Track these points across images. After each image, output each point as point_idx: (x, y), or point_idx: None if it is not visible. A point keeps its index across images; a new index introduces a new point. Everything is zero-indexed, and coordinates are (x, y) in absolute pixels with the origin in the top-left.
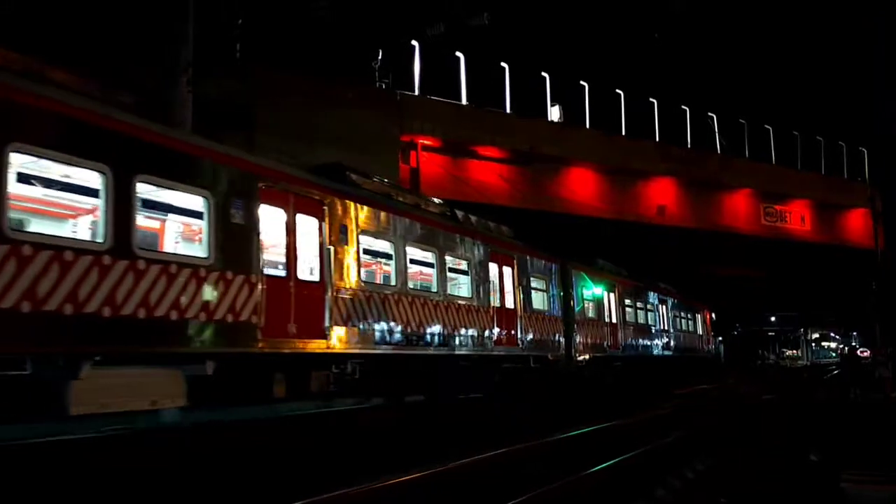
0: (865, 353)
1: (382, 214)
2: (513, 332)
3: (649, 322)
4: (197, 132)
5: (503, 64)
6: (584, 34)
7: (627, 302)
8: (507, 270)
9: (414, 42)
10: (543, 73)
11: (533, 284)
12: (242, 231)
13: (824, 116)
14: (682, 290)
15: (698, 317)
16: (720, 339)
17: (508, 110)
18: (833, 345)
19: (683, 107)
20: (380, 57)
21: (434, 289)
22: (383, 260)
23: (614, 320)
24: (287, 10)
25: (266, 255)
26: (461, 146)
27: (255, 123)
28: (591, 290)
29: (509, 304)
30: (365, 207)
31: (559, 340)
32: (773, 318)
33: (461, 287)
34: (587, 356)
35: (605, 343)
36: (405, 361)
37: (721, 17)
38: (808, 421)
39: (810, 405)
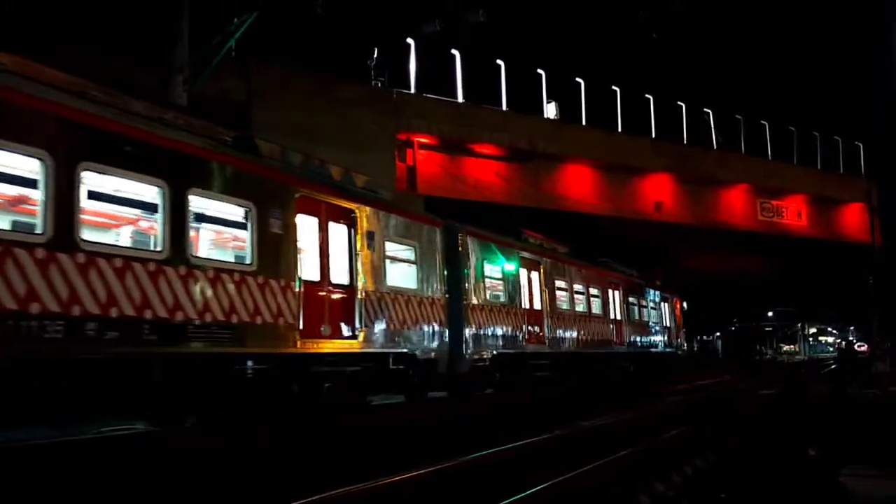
0: (862, 348)
1: None
2: (346, 319)
3: (593, 310)
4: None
5: (499, 61)
6: (580, 31)
7: (560, 284)
8: (335, 230)
9: (410, 40)
10: (539, 71)
11: (391, 253)
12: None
13: (820, 111)
14: (661, 280)
15: (665, 307)
16: (714, 335)
17: (505, 108)
18: (830, 339)
19: (679, 103)
20: (376, 55)
21: None
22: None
23: (538, 306)
24: (283, 9)
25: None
26: (458, 144)
27: (252, 121)
28: (502, 267)
29: (339, 278)
30: None
31: (438, 332)
32: (770, 314)
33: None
34: (491, 352)
35: (522, 335)
36: None
37: (717, 14)
38: (805, 416)
39: (807, 401)
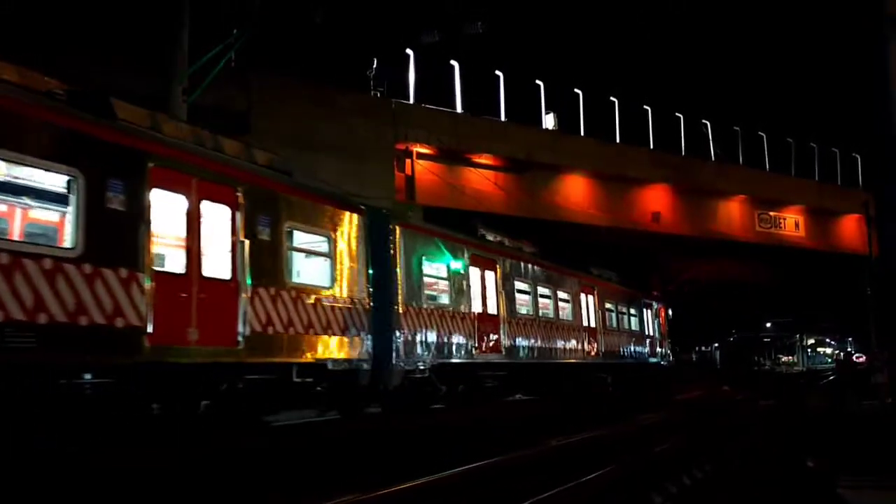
0: (861, 359)
1: None
2: (224, 322)
3: (562, 316)
4: None
5: (498, 72)
6: (578, 42)
7: (522, 287)
8: (213, 212)
9: (409, 51)
10: (538, 81)
11: (296, 244)
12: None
13: (818, 123)
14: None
15: (648, 314)
16: (712, 345)
17: (503, 118)
18: (829, 350)
19: (677, 114)
20: (375, 65)
21: None
22: None
23: (493, 311)
24: (283, 19)
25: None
26: (456, 154)
27: (251, 130)
28: (447, 266)
29: (215, 271)
30: None
31: (358, 338)
32: (768, 325)
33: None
34: (431, 362)
35: (471, 343)
36: None
37: (715, 26)
38: (804, 428)
39: (806, 413)
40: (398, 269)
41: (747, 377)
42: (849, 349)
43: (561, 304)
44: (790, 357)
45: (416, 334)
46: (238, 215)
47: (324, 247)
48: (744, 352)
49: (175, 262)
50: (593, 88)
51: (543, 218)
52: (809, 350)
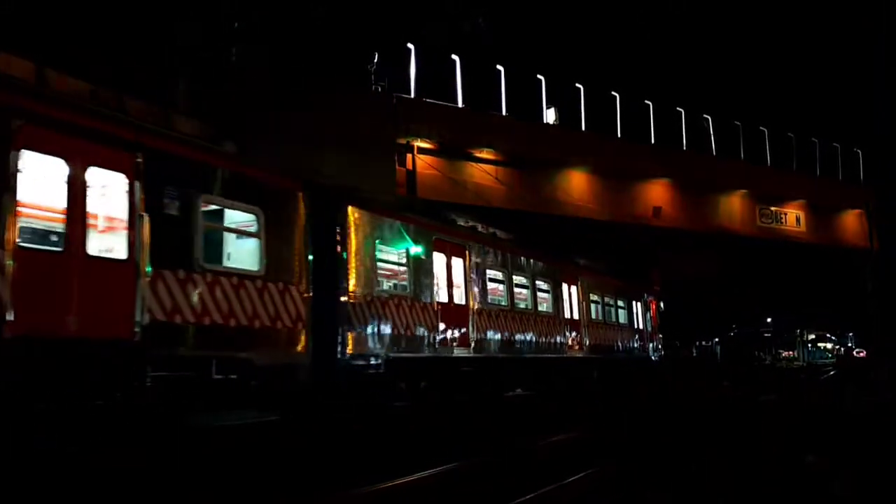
0: (861, 354)
1: None
2: (114, 307)
3: (541, 308)
4: None
5: (499, 66)
6: (580, 37)
7: (494, 275)
8: (107, 180)
9: (410, 45)
10: (539, 76)
11: (214, 221)
12: None
13: (819, 118)
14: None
15: (638, 307)
16: (713, 340)
17: (504, 113)
18: (829, 345)
19: (679, 109)
20: (376, 60)
21: None
22: None
23: (461, 301)
24: (283, 14)
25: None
26: (457, 149)
27: (250, 126)
28: (407, 251)
29: (100, 247)
30: None
31: (295, 330)
32: (769, 319)
33: None
34: (385, 356)
35: (435, 336)
36: None
37: (717, 20)
38: (803, 424)
39: (805, 409)
40: (349, 254)
41: (748, 372)
42: (849, 344)
43: (540, 294)
44: (791, 352)
45: (368, 326)
46: (137, 186)
47: (253, 226)
48: (744, 347)
49: (50, 239)
50: (595, 83)
51: (544, 213)
52: (810, 345)
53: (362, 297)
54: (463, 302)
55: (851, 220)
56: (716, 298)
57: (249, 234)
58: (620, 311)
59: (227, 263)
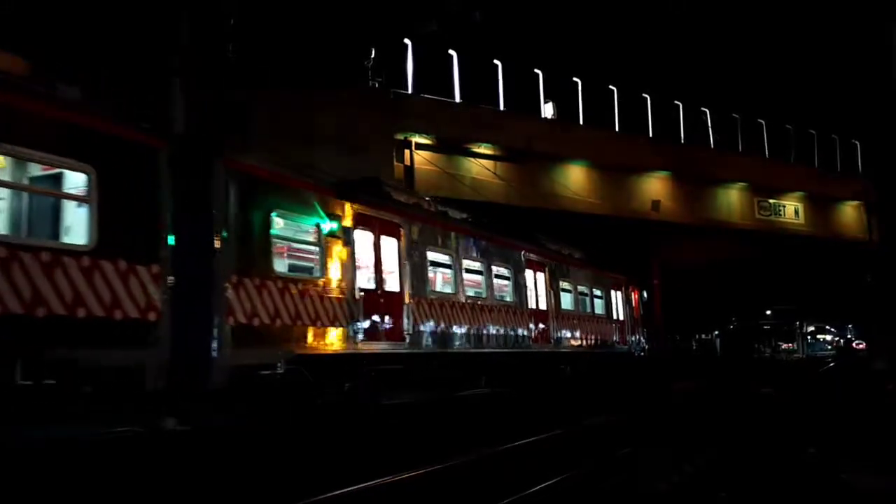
0: (861, 346)
1: None
2: None
3: (498, 297)
4: None
5: (496, 61)
6: (577, 31)
7: (437, 258)
8: None
9: (407, 40)
10: (536, 70)
11: (44, 183)
12: None
13: (817, 110)
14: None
15: (618, 296)
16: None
17: (502, 108)
18: (829, 337)
19: (676, 102)
20: (373, 56)
21: None
22: None
23: (393, 288)
24: (280, 10)
25: None
26: (455, 144)
27: (249, 123)
28: (317, 227)
29: None
30: None
31: (143, 322)
32: (768, 312)
33: None
34: (285, 355)
35: (356, 329)
36: None
37: (714, 12)
38: (805, 416)
39: (807, 401)
40: (227, 228)
41: (747, 365)
42: (848, 336)
43: (498, 282)
44: (790, 344)
45: (257, 317)
46: None
47: (82, 189)
48: (744, 340)
49: None
50: (592, 77)
51: (543, 207)
52: (809, 337)
53: (252, 283)
54: (396, 289)
55: (850, 212)
56: (715, 291)
57: (74, 199)
58: (597, 301)
59: (28, 237)
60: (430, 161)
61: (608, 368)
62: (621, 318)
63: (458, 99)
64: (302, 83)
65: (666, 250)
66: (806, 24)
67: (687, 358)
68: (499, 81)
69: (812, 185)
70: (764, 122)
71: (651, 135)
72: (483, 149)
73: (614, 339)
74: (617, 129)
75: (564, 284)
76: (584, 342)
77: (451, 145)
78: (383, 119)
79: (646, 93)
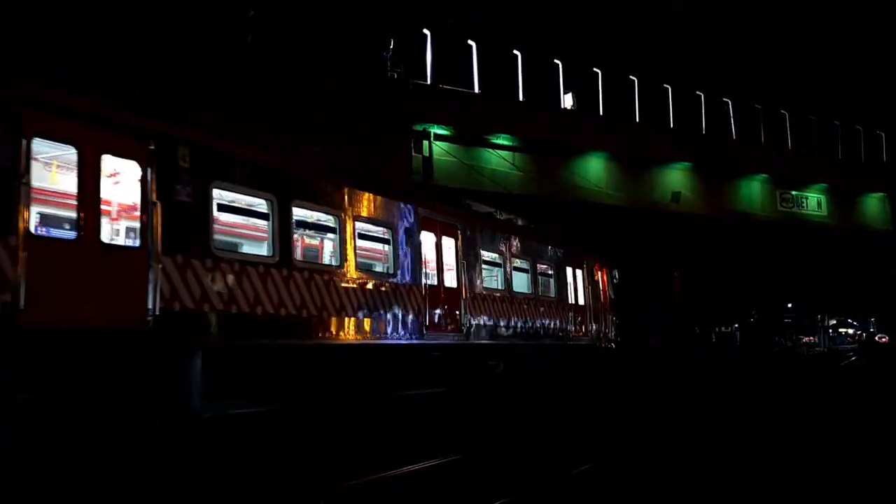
0: (884, 339)
1: None
2: None
3: (361, 266)
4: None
5: (515, 52)
6: (597, 21)
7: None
8: None
9: (426, 31)
10: (556, 61)
11: None
12: None
13: (841, 101)
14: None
15: (578, 275)
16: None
17: (521, 98)
18: (850, 331)
19: (698, 92)
20: (391, 47)
21: None
22: None
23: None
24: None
25: None
26: (473, 135)
27: (265, 115)
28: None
29: None
30: None
31: None
32: (789, 305)
33: None
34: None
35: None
36: None
37: (736, 3)
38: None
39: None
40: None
41: (767, 359)
42: (871, 329)
43: (363, 244)
44: (811, 338)
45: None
46: None
47: None
48: (764, 333)
49: None
50: (612, 67)
51: (562, 198)
52: (831, 330)
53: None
54: (130, 243)
55: (874, 204)
56: (736, 283)
57: None
58: (543, 280)
59: None
60: (448, 152)
61: (558, 366)
62: (580, 302)
63: (476, 90)
64: (319, 72)
65: (686, 242)
66: (830, 15)
67: (688, 355)
68: (518, 72)
69: (835, 177)
70: (787, 114)
71: (672, 126)
72: (502, 140)
73: (568, 328)
74: (637, 120)
75: (489, 257)
76: (523, 332)
77: (469, 136)
78: (401, 110)
79: (667, 83)
